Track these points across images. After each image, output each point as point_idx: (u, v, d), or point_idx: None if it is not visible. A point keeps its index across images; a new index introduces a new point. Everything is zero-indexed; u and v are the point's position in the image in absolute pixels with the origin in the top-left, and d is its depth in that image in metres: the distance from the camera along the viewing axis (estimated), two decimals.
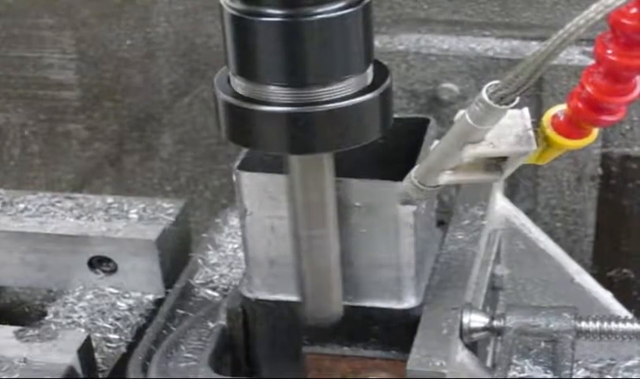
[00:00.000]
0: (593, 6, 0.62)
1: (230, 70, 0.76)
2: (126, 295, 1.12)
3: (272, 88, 0.73)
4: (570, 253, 1.19)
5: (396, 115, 0.82)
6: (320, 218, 0.81)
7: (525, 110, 0.76)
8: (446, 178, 0.78)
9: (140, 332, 1.05)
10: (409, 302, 0.90)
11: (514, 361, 1.01)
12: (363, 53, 0.75)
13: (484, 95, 0.69)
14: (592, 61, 0.69)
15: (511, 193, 1.34)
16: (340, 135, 0.74)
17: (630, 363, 1.10)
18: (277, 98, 0.73)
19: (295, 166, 0.78)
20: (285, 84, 0.72)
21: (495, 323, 0.91)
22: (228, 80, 0.77)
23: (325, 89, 0.73)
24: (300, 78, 0.72)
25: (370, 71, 0.76)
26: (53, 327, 1.07)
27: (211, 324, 0.98)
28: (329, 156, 0.78)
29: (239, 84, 0.75)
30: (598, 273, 1.36)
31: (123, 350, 1.05)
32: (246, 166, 0.88)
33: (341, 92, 0.73)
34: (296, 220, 0.81)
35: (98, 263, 1.13)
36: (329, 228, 0.82)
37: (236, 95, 0.75)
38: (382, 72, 0.78)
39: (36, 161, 1.54)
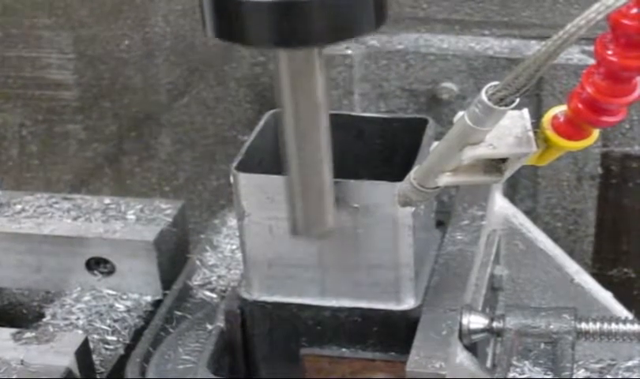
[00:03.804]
0: (594, 7, 0.62)
1: None
2: (124, 297, 1.12)
3: None
4: (571, 252, 1.19)
5: (394, 115, 0.81)
6: (311, 125, 0.74)
7: (525, 112, 0.76)
8: (445, 179, 0.77)
9: (138, 334, 1.05)
10: (408, 303, 0.89)
11: (514, 362, 1.01)
12: None
13: (484, 96, 0.69)
14: (591, 60, 0.69)
15: (511, 193, 1.33)
16: (332, 27, 0.68)
17: (630, 363, 1.10)
18: None
19: (284, 66, 0.72)
20: None
21: (495, 324, 0.91)
22: None
23: None
24: None
25: None
26: (50, 329, 1.07)
27: (209, 326, 0.98)
28: (320, 54, 0.72)
29: None
30: (598, 273, 1.36)
31: (121, 351, 1.05)
32: (243, 167, 0.88)
33: None
34: (285, 127, 0.75)
35: (95, 264, 1.13)
36: (322, 133, 0.76)
37: None
38: None
39: (34, 161, 1.54)
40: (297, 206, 0.78)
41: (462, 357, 0.89)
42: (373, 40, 1.32)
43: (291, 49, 0.70)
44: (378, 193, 0.85)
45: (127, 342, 1.06)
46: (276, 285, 0.91)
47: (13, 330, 0.99)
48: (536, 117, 0.77)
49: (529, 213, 1.24)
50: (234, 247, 1.13)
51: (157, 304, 1.09)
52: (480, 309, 0.93)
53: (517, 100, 0.69)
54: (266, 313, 0.92)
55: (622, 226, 1.37)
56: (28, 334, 0.98)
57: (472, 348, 0.91)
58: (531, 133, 0.75)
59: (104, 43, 1.44)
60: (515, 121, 0.75)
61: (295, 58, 0.71)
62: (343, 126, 0.95)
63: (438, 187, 0.79)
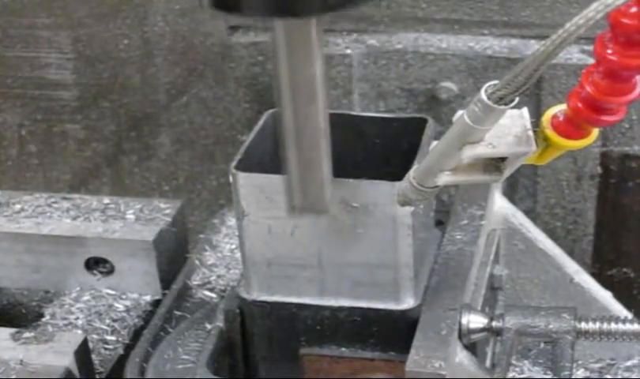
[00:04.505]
0: (593, 5, 0.62)
1: None
2: (123, 296, 1.12)
3: None
4: (570, 252, 1.19)
5: (394, 115, 0.81)
6: (308, 95, 0.72)
7: (525, 111, 0.76)
8: (444, 178, 0.77)
9: (137, 334, 1.05)
10: (408, 302, 0.89)
11: (514, 362, 1.01)
12: None
13: (483, 95, 0.69)
14: (591, 60, 0.69)
15: (510, 192, 1.33)
16: None
17: (630, 363, 1.10)
18: None
19: (281, 37, 0.69)
20: None
21: (494, 323, 0.91)
22: None
23: None
24: None
25: None
26: (50, 328, 1.07)
27: (208, 326, 0.98)
28: (319, 26, 0.69)
29: None
30: (598, 272, 1.36)
31: (120, 351, 1.05)
32: (242, 166, 0.88)
33: None
34: (282, 100, 0.73)
35: (95, 264, 1.13)
36: (319, 107, 0.73)
37: None
38: None
39: (34, 161, 1.54)
40: (294, 182, 0.77)
41: (462, 356, 0.89)
42: (372, 40, 1.32)
43: (287, 18, 0.67)
44: (377, 193, 0.85)
45: (126, 342, 1.06)
46: (275, 285, 0.91)
47: (12, 330, 0.99)
48: (536, 116, 0.77)
49: (529, 213, 1.24)
50: (233, 247, 1.13)
51: (156, 304, 1.09)
52: (479, 308, 0.93)
53: (517, 99, 0.69)
54: (265, 312, 0.92)
55: (621, 226, 1.37)
56: (27, 334, 0.98)
57: (472, 348, 0.91)
58: (530, 132, 0.75)
59: (103, 42, 1.44)
60: (515, 121, 0.75)
61: (292, 29, 0.69)
62: (342, 126, 0.94)
63: (437, 186, 0.79)
